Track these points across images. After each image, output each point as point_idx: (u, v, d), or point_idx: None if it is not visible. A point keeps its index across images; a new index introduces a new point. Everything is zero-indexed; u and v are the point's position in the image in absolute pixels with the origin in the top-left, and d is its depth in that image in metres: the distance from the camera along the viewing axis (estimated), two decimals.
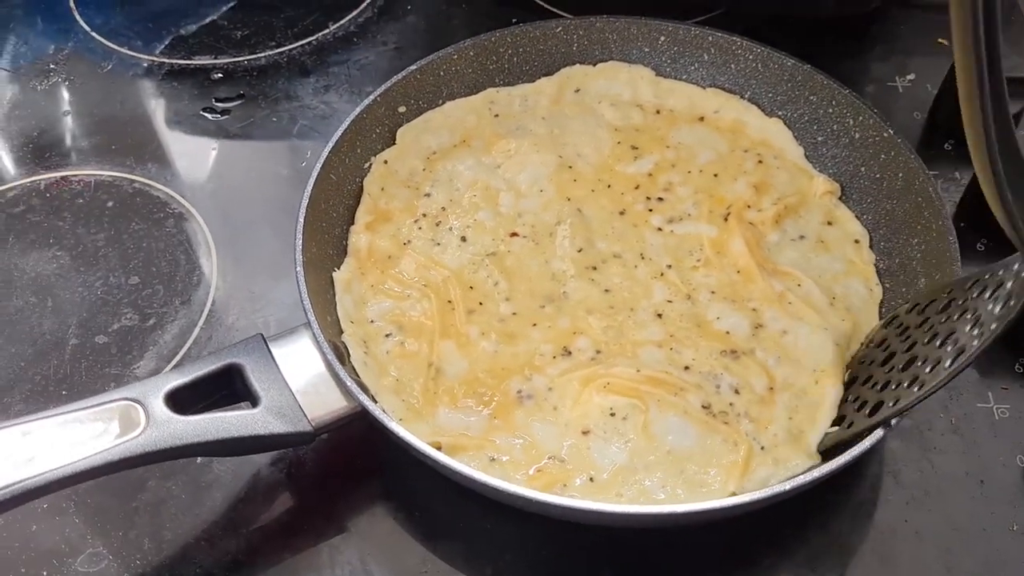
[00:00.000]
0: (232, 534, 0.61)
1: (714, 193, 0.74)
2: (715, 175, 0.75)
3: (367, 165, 0.74)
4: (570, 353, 0.65)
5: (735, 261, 0.69)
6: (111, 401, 0.55)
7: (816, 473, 0.54)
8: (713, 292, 0.68)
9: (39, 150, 0.84)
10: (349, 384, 0.58)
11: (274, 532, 0.61)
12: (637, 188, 0.74)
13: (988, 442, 0.64)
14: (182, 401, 0.56)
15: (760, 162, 0.75)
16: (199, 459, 0.63)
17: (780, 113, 0.78)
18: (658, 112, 0.80)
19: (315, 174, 0.68)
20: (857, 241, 0.72)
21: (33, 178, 0.81)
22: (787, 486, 0.54)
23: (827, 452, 0.59)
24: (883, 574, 0.58)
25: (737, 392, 0.62)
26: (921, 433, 0.64)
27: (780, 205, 0.72)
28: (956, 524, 0.60)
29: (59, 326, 0.71)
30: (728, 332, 0.66)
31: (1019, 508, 0.61)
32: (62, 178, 0.81)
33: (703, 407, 0.62)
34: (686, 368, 0.64)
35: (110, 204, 0.79)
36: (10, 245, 0.77)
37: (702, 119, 0.79)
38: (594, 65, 0.81)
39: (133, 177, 0.81)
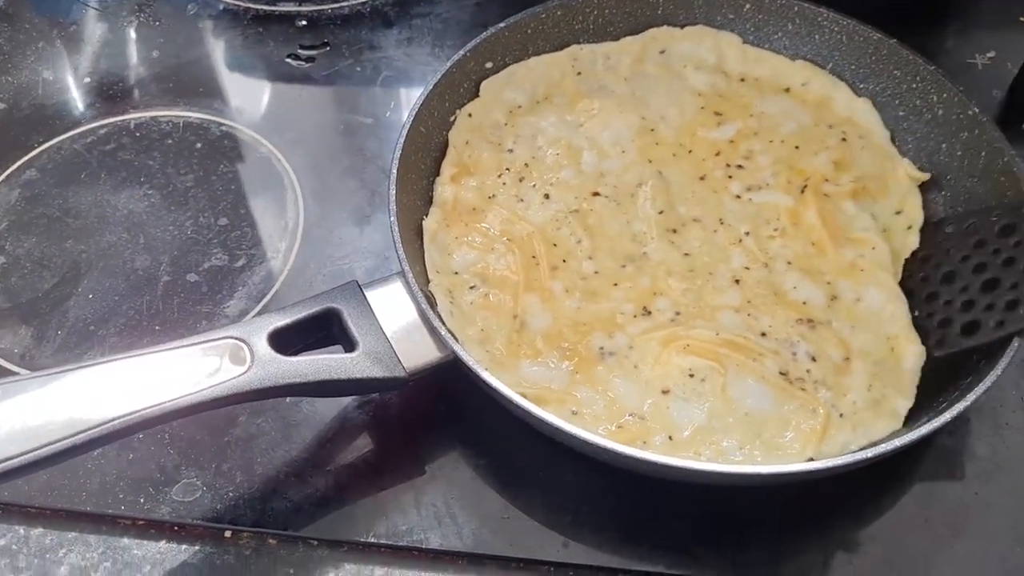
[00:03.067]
0: (320, 471, 0.63)
1: (794, 165, 0.74)
2: (796, 147, 0.75)
3: (452, 118, 0.75)
4: (650, 313, 0.66)
5: (809, 233, 0.70)
6: (218, 339, 0.56)
7: (898, 442, 0.55)
8: (789, 263, 0.69)
9: (128, 90, 0.85)
10: (443, 333, 0.60)
11: (360, 471, 0.63)
12: (718, 155, 0.75)
13: None
14: (283, 342, 0.58)
15: (844, 139, 0.75)
16: (288, 399, 0.66)
17: (862, 86, 0.78)
18: (743, 80, 0.80)
19: (407, 125, 0.69)
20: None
21: (123, 117, 0.83)
22: (868, 453, 0.55)
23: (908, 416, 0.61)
24: (953, 545, 0.60)
25: (814, 359, 0.64)
26: (994, 409, 0.65)
27: (859, 184, 0.73)
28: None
29: (151, 263, 0.73)
30: (805, 302, 0.67)
31: None
32: (151, 118, 0.83)
33: (780, 373, 0.63)
34: (763, 334, 0.65)
35: (199, 146, 0.81)
36: (102, 182, 0.79)
37: (788, 90, 0.79)
38: (681, 28, 0.82)
39: (220, 120, 0.83)
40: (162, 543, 0.61)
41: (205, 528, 0.61)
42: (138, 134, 0.82)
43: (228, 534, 0.61)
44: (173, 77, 0.86)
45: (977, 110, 0.71)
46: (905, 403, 0.61)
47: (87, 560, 0.60)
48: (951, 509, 0.61)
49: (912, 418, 0.61)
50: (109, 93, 0.85)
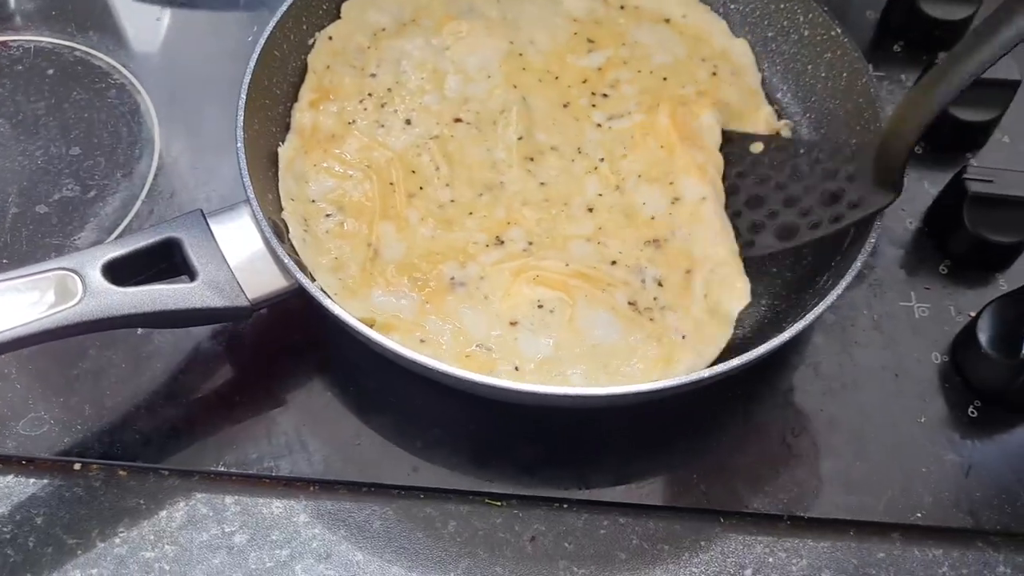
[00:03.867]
0: (171, 403, 0.63)
1: (659, 96, 0.73)
2: (664, 79, 0.74)
3: (311, 41, 0.73)
4: (503, 243, 0.66)
5: (659, 138, 0.70)
6: (47, 271, 0.55)
7: (736, 361, 0.56)
8: (639, 176, 0.69)
9: None
10: (286, 261, 0.59)
11: (213, 403, 0.63)
12: (584, 82, 0.74)
13: (907, 339, 0.66)
14: (120, 273, 0.57)
15: (714, 74, 0.74)
16: (139, 330, 0.65)
17: (733, 7, 0.78)
18: (622, 7, 0.78)
19: (258, 50, 0.67)
20: None
21: None
22: (704, 374, 0.56)
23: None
24: (796, 460, 0.62)
25: (660, 284, 0.64)
26: (843, 328, 0.67)
27: (714, 109, 0.72)
28: (868, 414, 0.63)
29: None
30: (653, 217, 0.67)
31: (929, 402, 0.64)
32: (0, 43, 0.79)
33: (629, 303, 0.63)
34: (613, 263, 0.65)
35: (50, 72, 0.78)
36: None
37: (667, 21, 0.77)
38: None
39: (75, 45, 0.79)
40: (9, 477, 0.60)
41: (53, 461, 0.61)
42: None
43: (77, 467, 0.61)
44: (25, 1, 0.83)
45: (840, 30, 0.71)
46: (738, 304, 0.62)
47: None
48: (795, 424, 0.63)
49: (758, 339, 0.62)
50: None
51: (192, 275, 0.58)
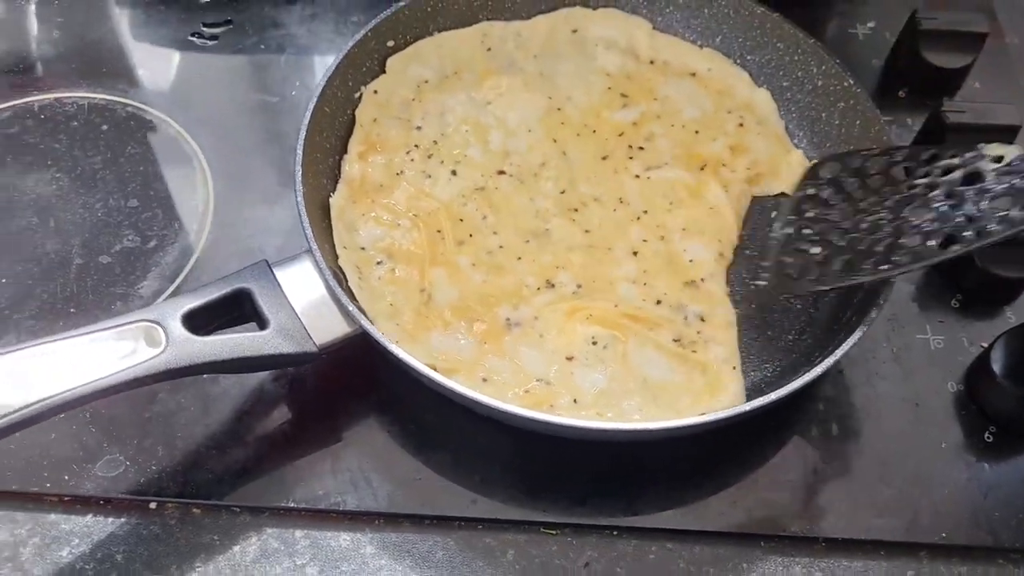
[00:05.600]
0: (240, 443, 0.66)
1: (692, 149, 0.78)
2: (696, 132, 0.79)
3: (357, 95, 0.77)
4: (553, 286, 0.70)
5: (709, 202, 0.75)
6: (133, 322, 0.59)
7: (774, 395, 0.60)
8: (684, 229, 0.73)
9: (29, 71, 0.85)
10: (350, 308, 0.62)
11: (278, 442, 0.67)
12: (621, 135, 0.79)
13: (924, 370, 0.71)
14: (196, 322, 0.60)
15: (741, 125, 0.79)
16: (206, 375, 0.68)
17: (749, 58, 0.83)
18: (652, 62, 0.83)
19: (311, 106, 0.71)
20: None
21: (26, 99, 0.83)
22: (747, 407, 0.60)
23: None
24: (828, 485, 0.66)
25: (702, 320, 0.69)
26: (866, 361, 0.71)
27: (753, 170, 0.77)
28: (893, 442, 0.68)
29: (63, 246, 0.74)
30: (692, 261, 0.72)
31: (947, 429, 0.68)
32: (55, 100, 0.83)
33: (674, 340, 0.68)
34: (658, 302, 0.70)
35: (105, 127, 0.81)
36: (7, 166, 0.79)
37: (693, 75, 0.82)
38: (593, 9, 0.84)
39: (126, 101, 0.83)
40: (88, 517, 0.63)
41: (130, 501, 0.64)
42: (42, 116, 0.82)
43: (153, 505, 0.64)
44: (76, 57, 0.86)
45: (852, 81, 0.76)
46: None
47: (15, 536, 0.62)
48: (828, 454, 0.67)
49: (788, 372, 0.67)
50: (9, 75, 0.85)
51: (263, 323, 0.62)
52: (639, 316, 0.69)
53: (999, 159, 0.64)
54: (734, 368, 0.67)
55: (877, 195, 0.68)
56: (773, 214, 0.74)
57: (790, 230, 0.71)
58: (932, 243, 0.62)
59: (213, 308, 0.62)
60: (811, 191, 0.73)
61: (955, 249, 0.61)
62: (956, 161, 0.65)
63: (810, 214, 0.71)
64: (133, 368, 0.57)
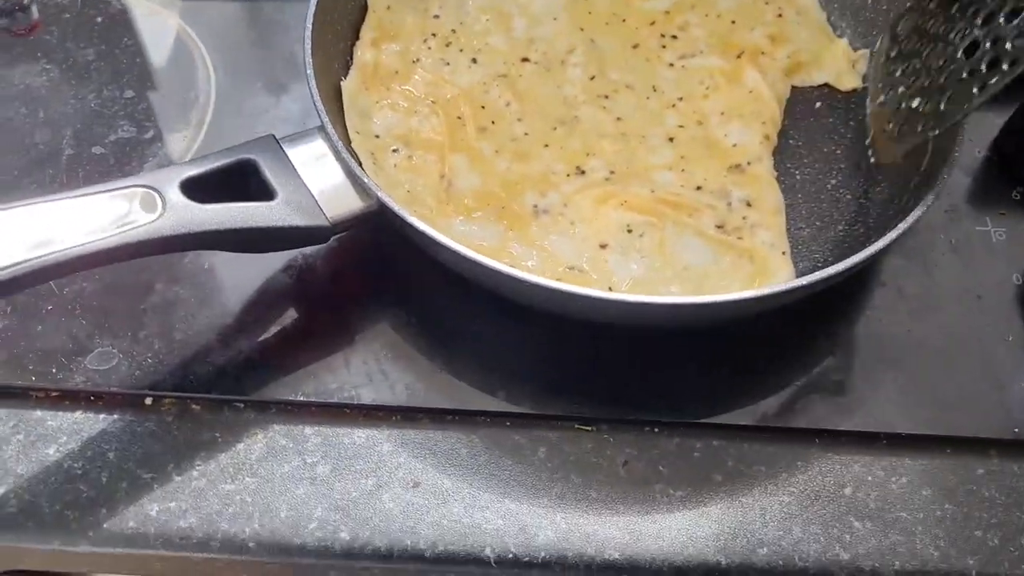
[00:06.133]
0: (244, 335, 0.61)
1: (728, 39, 0.73)
2: (732, 21, 0.74)
3: None
4: (584, 172, 0.65)
5: (747, 85, 0.69)
6: (127, 187, 0.53)
7: (832, 269, 0.55)
8: (723, 113, 0.68)
9: None
10: (366, 181, 0.57)
11: (287, 334, 0.61)
12: (652, 24, 0.73)
13: (986, 262, 0.65)
14: (196, 193, 0.54)
15: (780, 15, 0.74)
16: (206, 265, 0.63)
17: None
18: None
19: None
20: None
21: None
22: (803, 281, 0.54)
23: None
24: (888, 378, 0.60)
25: (749, 204, 0.63)
26: (922, 252, 0.66)
27: (793, 59, 0.72)
28: (955, 334, 0.62)
29: (53, 136, 0.69)
30: (735, 145, 0.66)
31: (1012, 322, 0.63)
32: None
33: (717, 227, 0.63)
34: (698, 188, 0.65)
35: (99, 19, 0.76)
36: None
37: None
38: None
39: None
40: (78, 413, 0.58)
41: (123, 395, 0.58)
42: (32, 8, 0.77)
43: (148, 401, 0.58)
44: None
45: None
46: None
47: None
48: (885, 344, 0.62)
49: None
50: None
51: (270, 195, 0.56)
52: (678, 202, 0.63)
53: None
54: (783, 253, 0.61)
55: (964, 19, 0.60)
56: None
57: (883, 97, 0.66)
58: None
59: (214, 178, 0.56)
60: (894, 52, 0.67)
61: None
62: None
63: (899, 72, 0.65)
64: (126, 232, 0.51)
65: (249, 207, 0.55)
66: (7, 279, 0.48)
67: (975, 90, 0.56)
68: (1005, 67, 0.55)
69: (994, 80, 0.55)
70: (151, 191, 0.53)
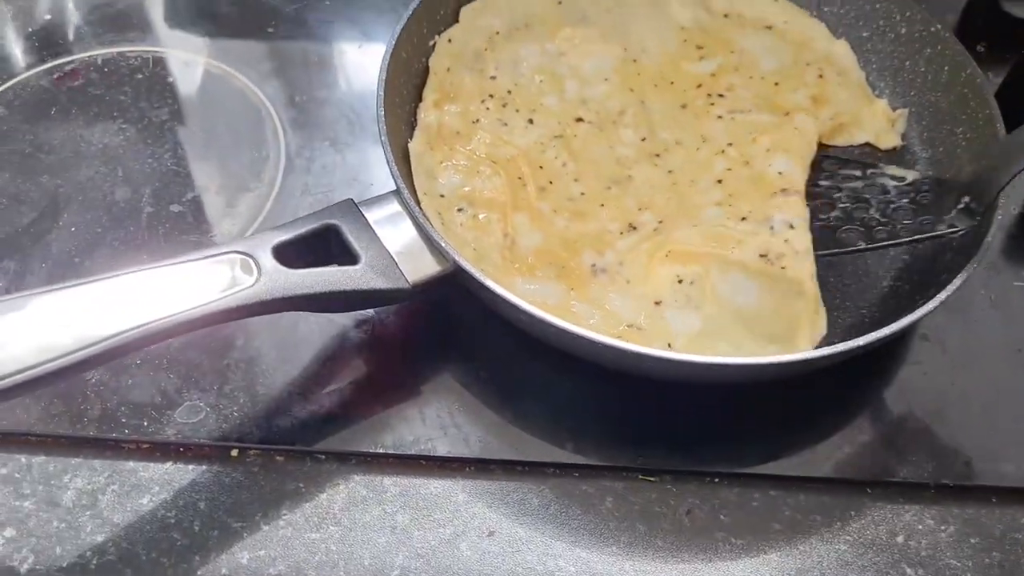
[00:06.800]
0: (323, 389, 0.64)
1: (773, 100, 0.76)
2: (776, 84, 0.77)
3: (432, 43, 0.75)
4: (635, 228, 0.68)
5: (795, 124, 0.73)
6: (225, 253, 0.56)
7: (887, 330, 0.58)
8: (769, 149, 0.72)
9: (92, 26, 0.83)
10: (443, 244, 0.60)
11: (364, 388, 0.64)
12: (699, 87, 0.77)
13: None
14: (286, 257, 0.58)
15: (821, 76, 0.78)
16: (284, 320, 0.66)
17: (827, 10, 0.81)
18: (726, 16, 0.81)
19: (390, 49, 0.69)
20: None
21: (90, 53, 0.81)
22: (860, 341, 0.57)
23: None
24: (933, 431, 0.63)
25: (792, 227, 0.67)
26: (963, 309, 0.69)
27: (836, 120, 0.75)
28: (999, 388, 0.65)
29: (132, 195, 0.72)
30: (780, 173, 0.70)
31: None
32: (119, 54, 0.81)
33: (760, 256, 0.66)
34: (743, 219, 0.68)
35: (170, 80, 0.80)
36: (73, 117, 0.77)
37: (770, 27, 0.81)
38: None
39: (190, 54, 0.81)
40: (168, 464, 0.61)
41: (211, 447, 0.61)
42: (106, 70, 0.80)
43: (235, 452, 0.61)
44: (137, 13, 0.85)
45: (940, 27, 0.74)
46: None
47: (94, 484, 0.60)
48: (930, 399, 0.65)
49: (893, 316, 0.64)
50: (72, 30, 0.83)
51: (354, 259, 0.59)
52: (723, 235, 0.66)
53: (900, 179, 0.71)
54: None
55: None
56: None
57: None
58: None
59: (301, 243, 0.59)
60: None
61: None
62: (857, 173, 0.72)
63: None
64: (227, 298, 0.54)
65: (336, 272, 0.58)
66: (122, 343, 0.51)
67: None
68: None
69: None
70: (246, 257, 0.57)
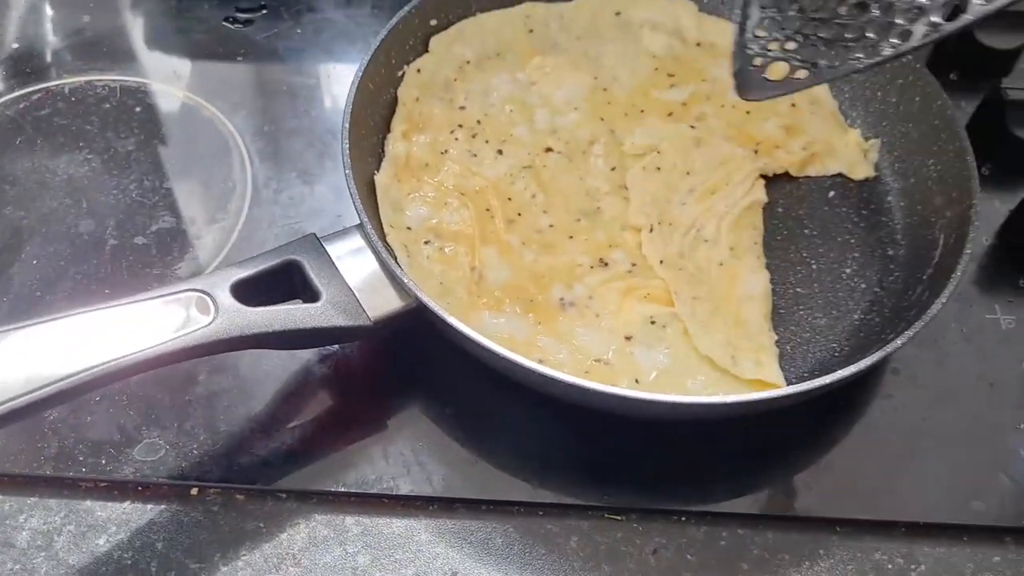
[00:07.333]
0: (284, 426, 0.63)
1: (744, 129, 0.76)
2: (747, 112, 0.77)
3: (400, 74, 0.75)
4: (607, 264, 0.68)
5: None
6: (181, 291, 0.56)
7: (854, 367, 0.57)
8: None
9: (59, 55, 0.83)
10: (406, 281, 0.59)
11: (326, 425, 0.63)
12: (670, 115, 0.76)
13: (997, 350, 0.68)
14: (245, 294, 0.57)
15: (793, 105, 0.77)
16: (246, 356, 0.65)
17: None
18: (699, 44, 0.81)
19: (356, 81, 0.69)
20: None
21: (56, 82, 0.81)
22: (827, 379, 0.57)
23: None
24: (904, 467, 0.63)
25: None
26: (935, 342, 0.68)
27: (808, 151, 0.75)
28: (969, 423, 0.65)
29: (96, 227, 0.71)
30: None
31: None
32: (86, 83, 0.80)
33: None
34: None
35: (138, 110, 0.79)
36: (38, 147, 0.76)
37: None
38: None
39: (158, 84, 0.81)
40: (126, 504, 0.60)
41: (170, 486, 0.60)
42: (73, 99, 0.79)
43: (194, 491, 0.60)
44: (107, 42, 0.84)
45: (910, 57, 0.73)
46: None
47: (49, 524, 0.59)
48: (901, 434, 0.64)
49: (863, 350, 0.64)
50: (39, 58, 0.82)
51: (314, 296, 0.59)
52: None
53: None
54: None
55: None
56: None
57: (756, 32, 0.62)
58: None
59: (261, 280, 0.59)
60: None
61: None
62: None
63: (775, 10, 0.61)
64: (183, 337, 0.54)
65: (296, 309, 0.57)
66: (76, 385, 0.50)
67: (858, 56, 0.56)
68: (894, 41, 0.54)
69: (881, 55, 0.55)
70: (203, 295, 0.56)
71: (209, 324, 0.55)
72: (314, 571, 0.58)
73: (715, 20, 0.82)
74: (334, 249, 0.61)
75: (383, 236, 0.66)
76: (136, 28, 0.86)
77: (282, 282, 0.60)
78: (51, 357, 0.51)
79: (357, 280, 0.60)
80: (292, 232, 0.72)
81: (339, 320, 0.58)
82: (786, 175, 0.75)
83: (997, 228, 0.75)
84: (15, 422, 0.50)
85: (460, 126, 0.74)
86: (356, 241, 0.62)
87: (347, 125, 0.67)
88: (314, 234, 0.61)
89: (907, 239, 0.71)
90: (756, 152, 0.74)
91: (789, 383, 0.63)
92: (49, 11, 0.87)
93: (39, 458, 0.60)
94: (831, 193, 0.75)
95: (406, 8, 0.75)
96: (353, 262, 0.61)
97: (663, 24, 0.82)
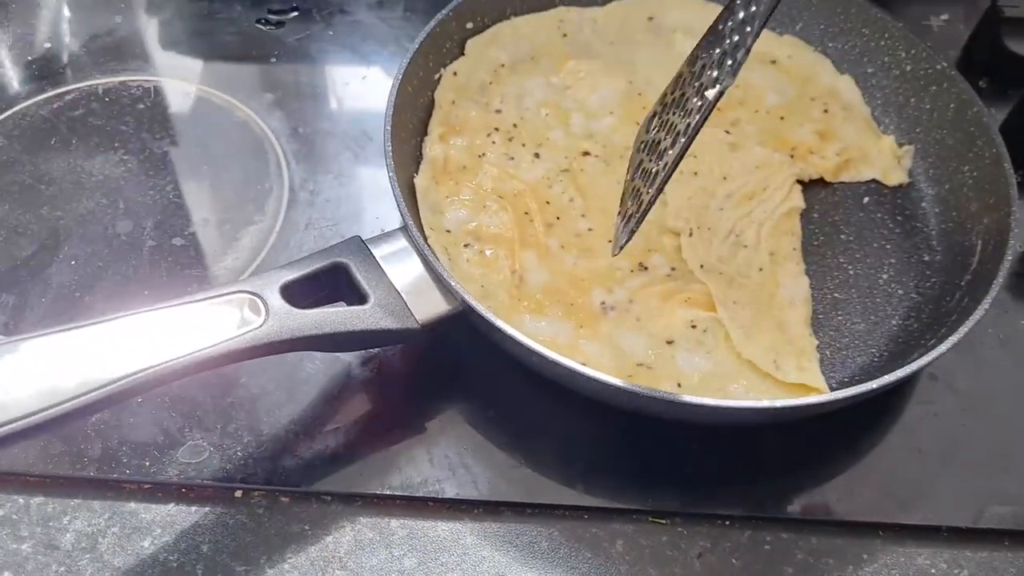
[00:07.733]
0: (328, 428, 0.63)
1: (779, 134, 0.76)
2: (781, 118, 0.77)
3: (437, 77, 0.75)
4: (646, 269, 0.68)
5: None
6: (232, 293, 0.56)
7: (899, 373, 0.57)
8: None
9: (95, 55, 0.83)
10: (453, 284, 0.60)
11: (369, 427, 0.63)
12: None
13: None
14: (294, 296, 0.57)
15: (826, 111, 0.78)
16: (289, 358, 0.65)
17: (831, 45, 0.81)
18: None
19: (397, 82, 0.69)
20: None
21: (91, 82, 0.80)
22: (873, 385, 0.57)
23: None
24: (945, 473, 0.63)
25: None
26: (972, 348, 0.68)
27: (843, 156, 0.75)
28: (1010, 429, 0.65)
29: (134, 227, 0.71)
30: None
31: None
32: (121, 83, 0.80)
33: None
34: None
35: (172, 110, 0.79)
36: (74, 147, 0.76)
37: (774, 62, 0.81)
38: None
39: (193, 85, 0.81)
40: (170, 505, 0.60)
41: (215, 488, 0.60)
42: (107, 99, 0.79)
43: (239, 493, 0.60)
44: (139, 43, 0.84)
45: (945, 64, 0.74)
46: None
47: (93, 526, 0.59)
48: (940, 440, 0.64)
49: (902, 356, 0.64)
50: (73, 58, 0.82)
51: (361, 299, 0.59)
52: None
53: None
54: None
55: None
56: None
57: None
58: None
59: (309, 282, 0.59)
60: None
61: None
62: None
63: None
64: (235, 340, 0.54)
65: (345, 311, 0.57)
66: (130, 387, 0.50)
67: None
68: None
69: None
70: (255, 297, 0.56)
71: (261, 326, 0.55)
72: (361, 574, 0.58)
73: None
74: (379, 251, 0.61)
75: (425, 239, 0.66)
76: (168, 29, 0.85)
77: (327, 284, 0.60)
78: (103, 359, 0.51)
79: (403, 283, 0.60)
80: (329, 234, 0.72)
81: (388, 323, 0.58)
82: (821, 181, 0.76)
83: None
84: (69, 424, 0.50)
85: (496, 129, 0.74)
86: (400, 243, 0.62)
87: (389, 128, 0.67)
88: (359, 236, 0.61)
89: (943, 245, 0.71)
90: (792, 157, 0.74)
91: (830, 388, 0.63)
92: (79, 12, 0.86)
93: (83, 460, 0.60)
94: (866, 199, 0.75)
95: (444, 11, 0.75)
96: (398, 264, 0.61)
97: (695, 28, 0.81)
